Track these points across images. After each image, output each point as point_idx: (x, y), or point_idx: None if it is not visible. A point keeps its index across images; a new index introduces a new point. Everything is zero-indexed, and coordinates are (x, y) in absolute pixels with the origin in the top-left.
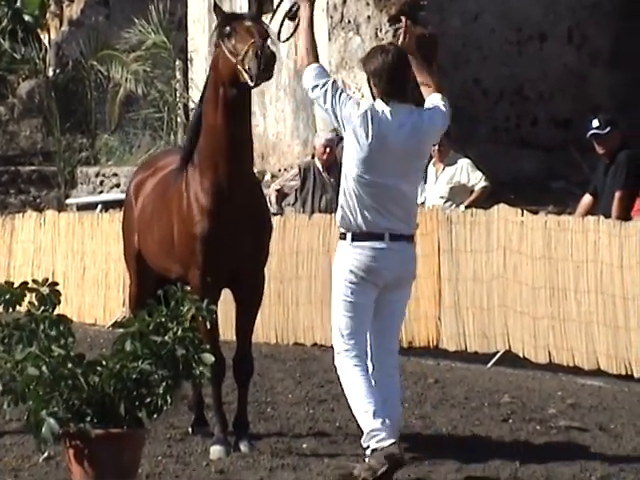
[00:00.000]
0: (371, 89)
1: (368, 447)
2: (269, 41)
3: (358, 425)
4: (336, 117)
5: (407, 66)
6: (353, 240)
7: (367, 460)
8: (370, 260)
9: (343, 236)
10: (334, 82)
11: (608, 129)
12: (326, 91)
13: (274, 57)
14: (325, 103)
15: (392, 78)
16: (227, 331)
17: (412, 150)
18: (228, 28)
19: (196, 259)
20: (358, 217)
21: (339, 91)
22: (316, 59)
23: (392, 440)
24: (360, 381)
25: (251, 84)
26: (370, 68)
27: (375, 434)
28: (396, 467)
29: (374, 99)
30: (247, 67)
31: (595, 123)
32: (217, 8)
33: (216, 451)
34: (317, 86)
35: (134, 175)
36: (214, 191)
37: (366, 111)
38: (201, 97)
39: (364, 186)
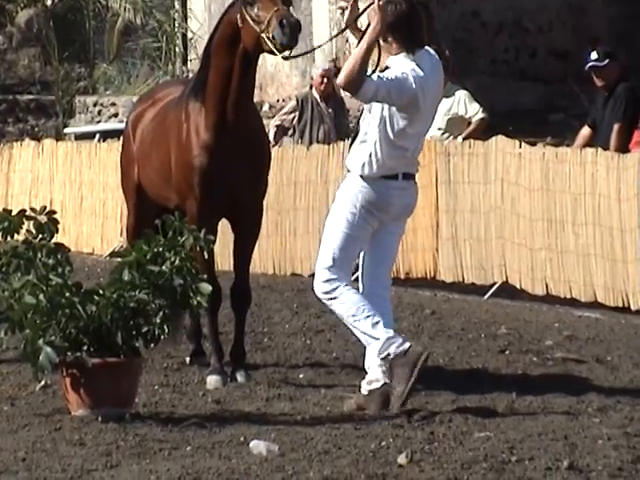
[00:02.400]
0: (385, 44)
1: (388, 355)
2: (291, 8)
3: (355, 354)
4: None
5: (419, 11)
6: (367, 177)
7: (394, 369)
8: (383, 197)
9: (350, 170)
10: (380, 79)
11: (606, 61)
12: (388, 92)
13: (299, 25)
14: (392, 100)
15: (411, 28)
16: (225, 261)
17: (439, 92)
18: None
19: (194, 190)
20: (381, 164)
21: (391, 82)
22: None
23: (409, 342)
24: (359, 298)
25: (277, 54)
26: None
27: (393, 341)
28: (425, 362)
29: (389, 53)
30: (271, 36)
31: (594, 55)
32: None
33: (212, 381)
34: (377, 95)
35: (132, 108)
36: (215, 125)
37: (413, 75)
38: (212, 36)
39: (404, 139)
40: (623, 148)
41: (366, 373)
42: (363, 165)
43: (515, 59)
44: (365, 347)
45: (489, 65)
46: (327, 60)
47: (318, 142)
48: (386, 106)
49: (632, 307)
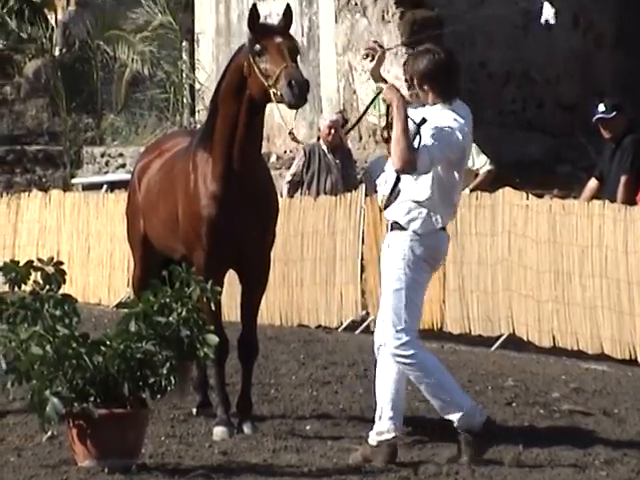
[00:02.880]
0: (421, 92)
1: (469, 428)
2: (299, 60)
3: (362, 406)
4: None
5: (457, 60)
6: (423, 233)
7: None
8: (439, 248)
9: (404, 227)
10: (428, 146)
11: (614, 113)
12: (442, 154)
13: (307, 85)
14: (447, 160)
15: (450, 77)
16: (232, 312)
17: (472, 141)
18: (259, 46)
19: (201, 240)
20: (438, 220)
21: (441, 143)
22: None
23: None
24: (439, 364)
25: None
26: (423, 72)
27: (475, 413)
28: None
29: (423, 104)
30: (279, 94)
31: (601, 107)
32: (252, 15)
33: (219, 432)
34: (434, 162)
35: (139, 159)
36: (223, 175)
37: (457, 128)
38: (219, 84)
39: (456, 191)
40: (630, 200)
41: (373, 424)
42: (421, 222)
43: (522, 110)
44: (374, 399)
45: (496, 116)
46: (334, 111)
47: (325, 193)
48: (440, 168)
49: (639, 360)
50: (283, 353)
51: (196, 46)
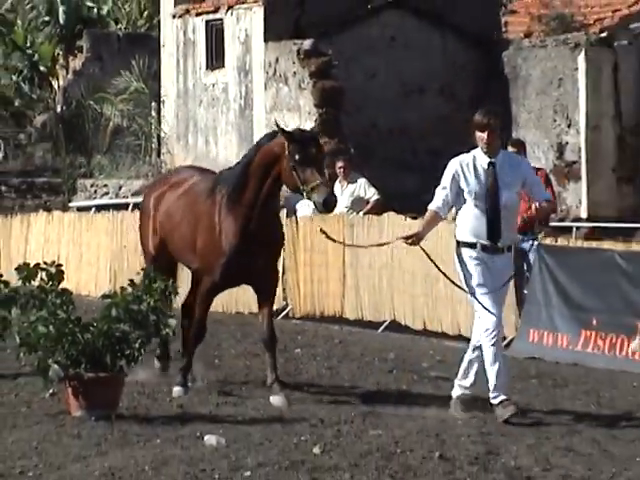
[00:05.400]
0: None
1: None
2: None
3: (287, 371)
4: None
5: None
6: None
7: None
8: None
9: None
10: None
11: None
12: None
13: (335, 203)
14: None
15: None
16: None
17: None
18: (297, 156)
19: (214, 273)
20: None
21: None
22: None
23: None
24: None
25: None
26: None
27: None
28: None
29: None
30: (313, 202)
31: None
32: (286, 131)
33: (177, 391)
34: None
35: (149, 190)
36: (244, 224)
37: None
38: (251, 158)
39: None
40: None
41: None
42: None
43: (401, 156)
44: (293, 366)
45: (383, 161)
46: None
47: None
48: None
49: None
50: (224, 333)
51: (162, 106)
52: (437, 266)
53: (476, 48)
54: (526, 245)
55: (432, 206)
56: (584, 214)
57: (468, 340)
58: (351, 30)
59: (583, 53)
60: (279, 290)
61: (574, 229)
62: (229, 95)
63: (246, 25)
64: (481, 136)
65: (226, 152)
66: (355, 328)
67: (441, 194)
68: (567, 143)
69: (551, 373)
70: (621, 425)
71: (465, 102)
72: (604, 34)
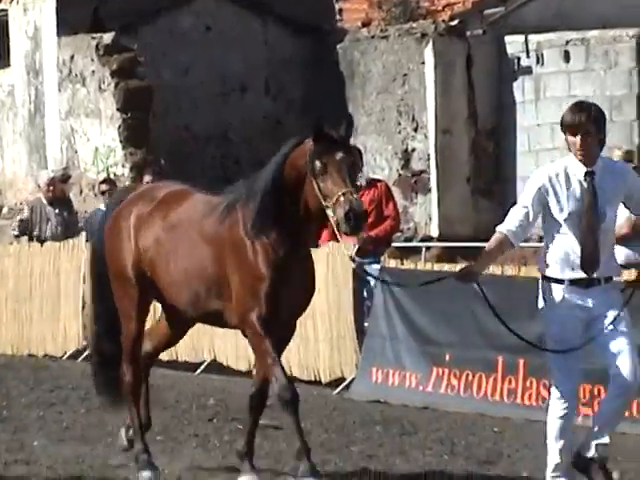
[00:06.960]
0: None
1: None
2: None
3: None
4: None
5: None
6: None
7: None
8: None
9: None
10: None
11: None
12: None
13: (365, 214)
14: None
15: None
16: None
17: None
18: (319, 164)
19: (260, 302)
20: None
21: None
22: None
23: None
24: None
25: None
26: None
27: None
28: None
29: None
30: (336, 220)
31: None
32: (319, 127)
33: None
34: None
35: (125, 207)
36: (283, 265)
37: None
38: (277, 172)
39: None
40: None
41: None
42: None
43: (221, 166)
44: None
45: (199, 172)
46: (60, 167)
47: (46, 239)
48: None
49: (323, 380)
50: (14, 379)
51: None
52: (497, 314)
53: (304, 39)
54: (368, 269)
55: (502, 228)
56: (435, 232)
57: (300, 382)
58: (159, 21)
59: (431, 44)
60: (79, 328)
61: (423, 249)
62: (16, 99)
63: (35, 17)
64: (573, 140)
65: (14, 165)
66: (169, 370)
67: (518, 214)
68: (414, 150)
69: (398, 418)
70: (478, 478)
71: (297, 102)
72: (455, 22)
